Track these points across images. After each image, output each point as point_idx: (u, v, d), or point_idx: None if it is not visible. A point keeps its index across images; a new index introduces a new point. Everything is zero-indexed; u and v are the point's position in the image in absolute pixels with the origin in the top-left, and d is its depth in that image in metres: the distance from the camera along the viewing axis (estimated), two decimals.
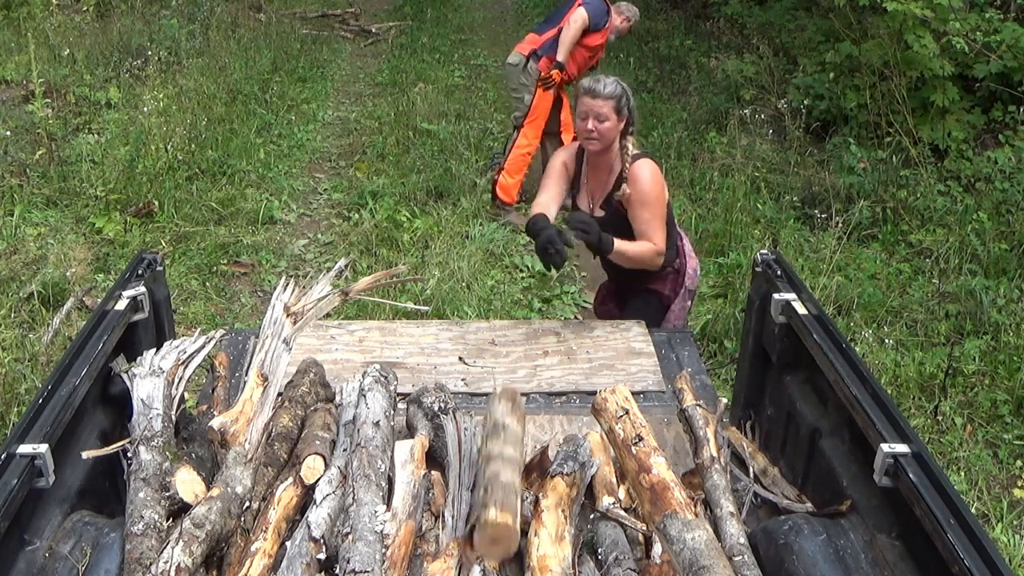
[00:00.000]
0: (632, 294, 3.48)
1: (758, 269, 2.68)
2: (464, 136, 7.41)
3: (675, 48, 9.79)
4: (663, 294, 3.42)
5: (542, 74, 5.96)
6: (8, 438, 1.87)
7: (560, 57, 5.96)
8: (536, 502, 1.97)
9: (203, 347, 2.38)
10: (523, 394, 2.84)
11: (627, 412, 1.99)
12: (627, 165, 3.23)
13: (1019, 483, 3.85)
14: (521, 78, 6.07)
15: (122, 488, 2.00)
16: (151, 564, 1.72)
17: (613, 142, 3.26)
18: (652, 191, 3.23)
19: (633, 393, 2.10)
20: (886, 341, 4.56)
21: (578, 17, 5.94)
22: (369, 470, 1.92)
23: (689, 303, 3.57)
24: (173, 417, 2.16)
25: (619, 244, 3.21)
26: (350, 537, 1.76)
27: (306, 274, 5.35)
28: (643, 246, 3.25)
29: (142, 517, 1.83)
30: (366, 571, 1.69)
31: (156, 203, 6.07)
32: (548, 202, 3.37)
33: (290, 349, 2.37)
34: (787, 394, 2.50)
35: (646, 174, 3.22)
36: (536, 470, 2.19)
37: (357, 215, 6.28)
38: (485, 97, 8.96)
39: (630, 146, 3.27)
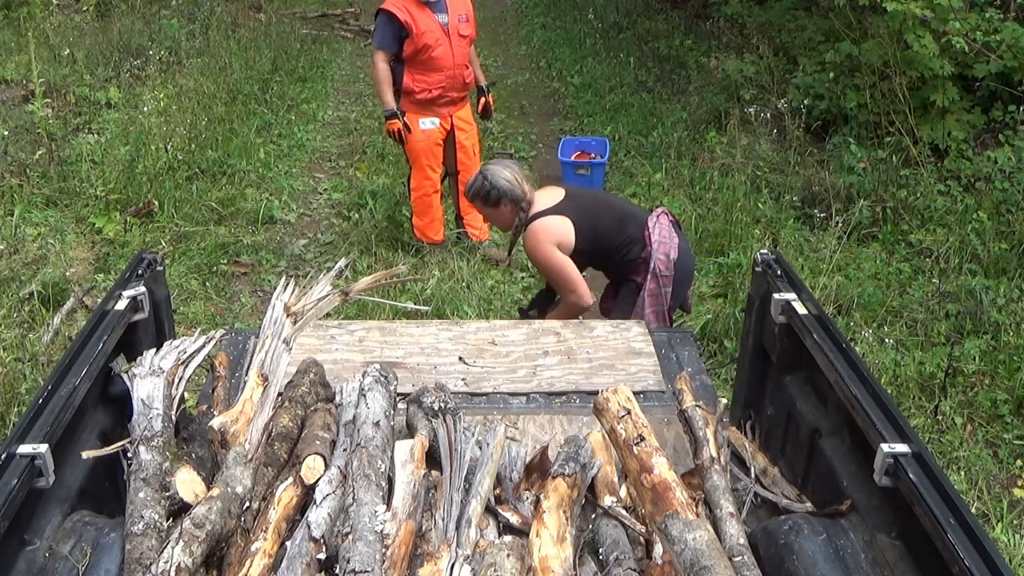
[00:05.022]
0: (622, 285, 3.79)
1: (758, 269, 2.68)
2: None
3: (675, 48, 9.79)
4: (638, 281, 3.70)
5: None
6: (8, 438, 1.87)
7: (385, 105, 5.39)
8: (537, 503, 1.97)
9: (203, 347, 2.38)
10: (523, 394, 2.85)
11: (629, 412, 1.99)
12: (522, 236, 3.71)
13: (1019, 483, 3.85)
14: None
15: (122, 488, 2.00)
16: (151, 564, 1.72)
17: (511, 221, 3.74)
18: (536, 258, 3.71)
19: (633, 393, 2.10)
20: (886, 341, 4.56)
21: (373, 56, 5.42)
22: (369, 470, 1.92)
23: (669, 288, 3.66)
24: (173, 417, 2.16)
25: (548, 317, 3.74)
26: (350, 537, 1.76)
27: (306, 274, 5.35)
28: (561, 309, 3.75)
29: (142, 517, 1.83)
30: (366, 571, 1.69)
31: (156, 203, 6.08)
32: None
33: (290, 349, 2.37)
34: (787, 394, 2.50)
35: (528, 244, 3.68)
36: (536, 471, 2.19)
37: (357, 215, 6.28)
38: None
39: (526, 213, 3.68)
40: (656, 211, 3.77)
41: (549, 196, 3.73)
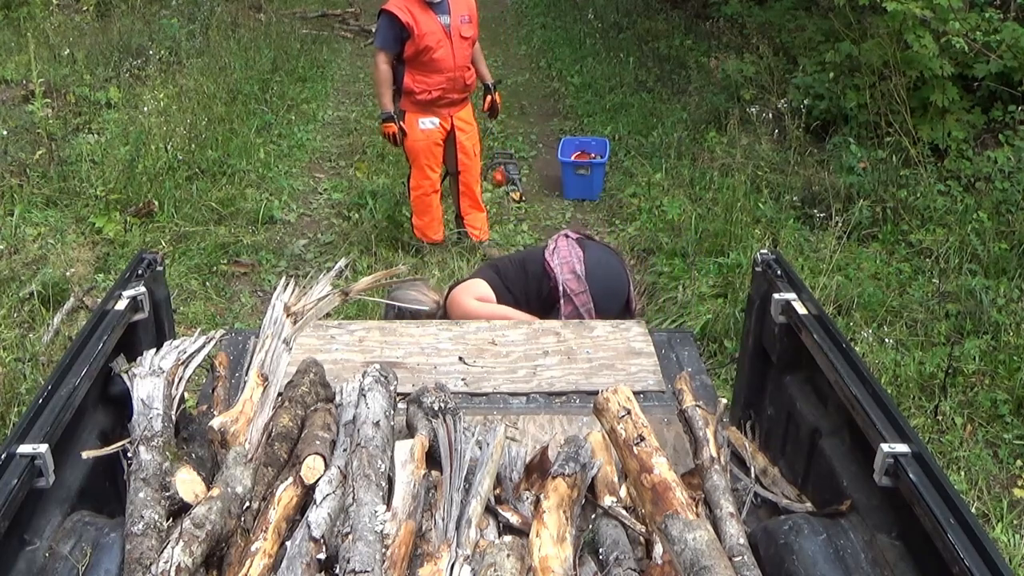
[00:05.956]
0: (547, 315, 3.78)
1: (758, 269, 2.68)
2: None
3: (675, 48, 9.79)
4: (556, 304, 3.72)
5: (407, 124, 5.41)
6: (8, 438, 1.87)
7: (383, 108, 5.37)
8: (537, 503, 1.97)
9: (203, 347, 2.38)
10: (523, 394, 2.85)
11: (629, 412, 1.99)
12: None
13: (1019, 483, 3.85)
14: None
15: (122, 488, 2.00)
16: (151, 564, 1.72)
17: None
18: (463, 317, 3.60)
19: (633, 393, 2.10)
20: (886, 341, 4.56)
21: (374, 56, 5.36)
22: (369, 470, 1.92)
23: (589, 305, 3.68)
24: (173, 417, 2.16)
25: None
26: (350, 537, 1.76)
27: (306, 274, 5.35)
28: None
29: (142, 517, 1.83)
30: (366, 571, 1.69)
31: (156, 203, 6.08)
32: None
33: (290, 349, 2.37)
34: (787, 394, 2.50)
35: (453, 313, 3.67)
36: (536, 470, 2.19)
37: (357, 215, 6.29)
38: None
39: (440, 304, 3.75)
40: (553, 238, 3.80)
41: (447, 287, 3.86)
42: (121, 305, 2.38)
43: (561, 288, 3.66)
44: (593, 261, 3.71)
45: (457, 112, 5.52)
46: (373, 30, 5.43)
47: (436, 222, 5.73)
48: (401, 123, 5.40)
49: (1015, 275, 5.11)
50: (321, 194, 6.90)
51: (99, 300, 3.39)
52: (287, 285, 2.53)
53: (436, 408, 2.22)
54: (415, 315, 3.63)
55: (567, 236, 3.81)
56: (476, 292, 3.70)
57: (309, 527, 1.82)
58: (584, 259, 3.69)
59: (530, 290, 3.75)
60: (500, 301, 3.71)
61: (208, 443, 2.14)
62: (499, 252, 5.70)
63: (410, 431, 2.21)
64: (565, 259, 3.69)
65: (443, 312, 3.75)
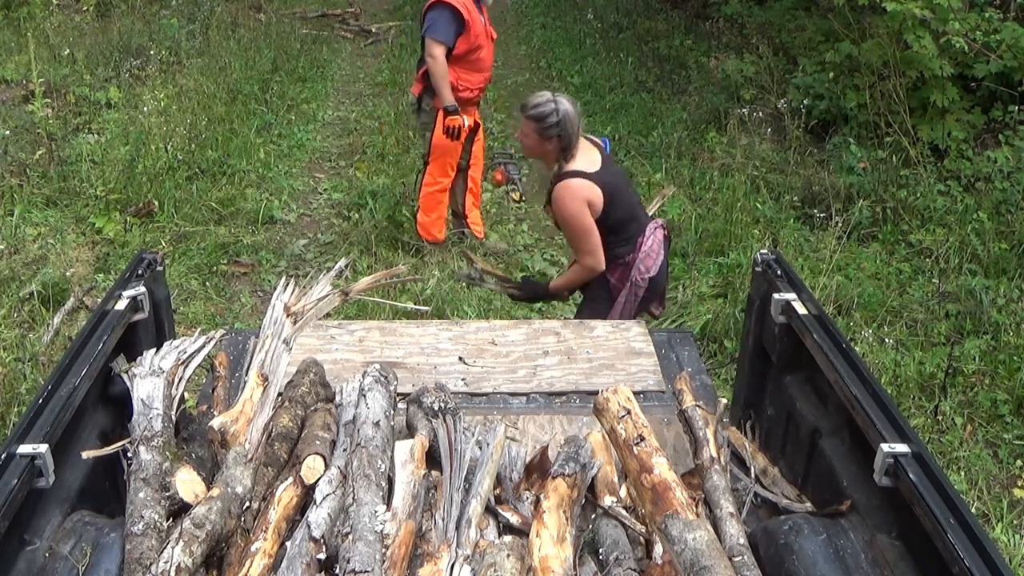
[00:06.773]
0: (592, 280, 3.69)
1: (758, 269, 2.68)
2: None
3: (675, 48, 9.79)
4: (611, 282, 3.61)
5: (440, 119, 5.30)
6: (8, 438, 1.87)
7: (445, 102, 5.22)
8: (537, 503, 1.97)
9: (203, 347, 2.38)
10: (523, 394, 2.85)
11: (629, 412, 1.99)
12: (554, 185, 3.52)
13: (1019, 483, 3.85)
14: (422, 117, 5.51)
15: (122, 488, 2.00)
16: (151, 564, 1.72)
17: (545, 157, 3.58)
18: (565, 213, 3.50)
19: (633, 393, 2.10)
20: (886, 341, 4.56)
21: (431, 49, 5.18)
22: (369, 470, 1.92)
23: (637, 301, 3.60)
24: (173, 417, 2.16)
25: (555, 283, 3.78)
26: (350, 537, 1.76)
27: (306, 274, 5.35)
28: (574, 271, 3.66)
29: (142, 517, 1.83)
30: (366, 571, 1.69)
31: (156, 203, 6.08)
32: None
33: (290, 349, 2.37)
34: (787, 394, 2.50)
35: (560, 196, 3.49)
36: (536, 470, 2.19)
37: (357, 215, 6.28)
38: (485, 97, 8.94)
39: (562, 167, 3.52)
40: (656, 221, 3.70)
41: (588, 158, 3.58)
42: (121, 305, 2.38)
43: (632, 276, 3.57)
44: (661, 269, 3.64)
45: (475, 109, 5.59)
46: (424, 22, 5.23)
47: (441, 220, 5.76)
48: (457, 119, 5.28)
49: (1015, 275, 5.11)
50: (321, 194, 6.89)
51: (99, 300, 3.39)
52: (287, 285, 2.53)
53: (436, 408, 2.22)
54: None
55: (663, 228, 3.70)
56: (593, 199, 3.48)
57: (309, 527, 1.82)
58: (661, 265, 3.62)
59: (613, 239, 3.57)
60: (600, 215, 3.52)
61: (208, 443, 2.14)
62: (501, 252, 5.73)
63: (410, 431, 2.21)
64: (653, 252, 3.58)
65: (564, 160, 3.52)
